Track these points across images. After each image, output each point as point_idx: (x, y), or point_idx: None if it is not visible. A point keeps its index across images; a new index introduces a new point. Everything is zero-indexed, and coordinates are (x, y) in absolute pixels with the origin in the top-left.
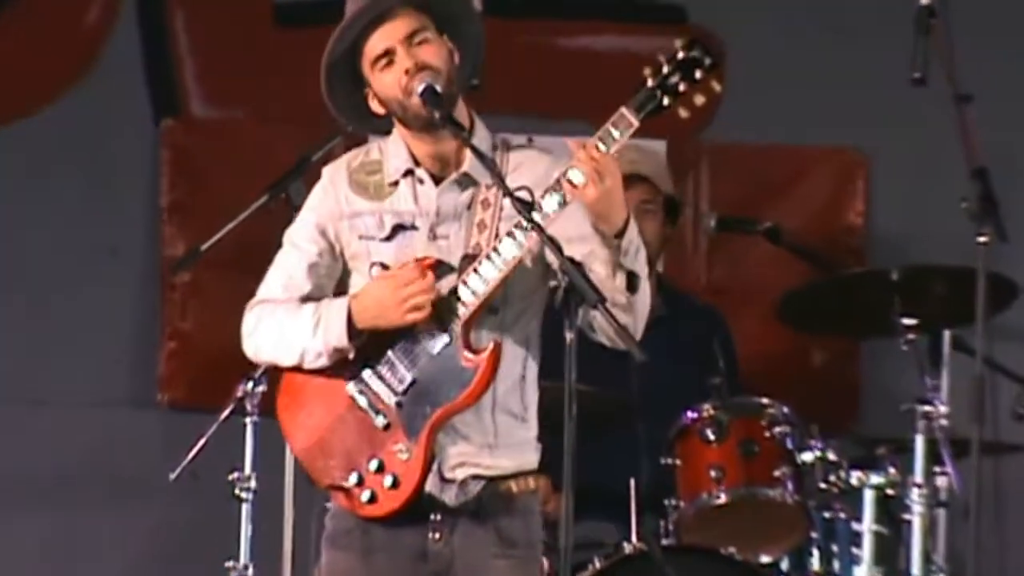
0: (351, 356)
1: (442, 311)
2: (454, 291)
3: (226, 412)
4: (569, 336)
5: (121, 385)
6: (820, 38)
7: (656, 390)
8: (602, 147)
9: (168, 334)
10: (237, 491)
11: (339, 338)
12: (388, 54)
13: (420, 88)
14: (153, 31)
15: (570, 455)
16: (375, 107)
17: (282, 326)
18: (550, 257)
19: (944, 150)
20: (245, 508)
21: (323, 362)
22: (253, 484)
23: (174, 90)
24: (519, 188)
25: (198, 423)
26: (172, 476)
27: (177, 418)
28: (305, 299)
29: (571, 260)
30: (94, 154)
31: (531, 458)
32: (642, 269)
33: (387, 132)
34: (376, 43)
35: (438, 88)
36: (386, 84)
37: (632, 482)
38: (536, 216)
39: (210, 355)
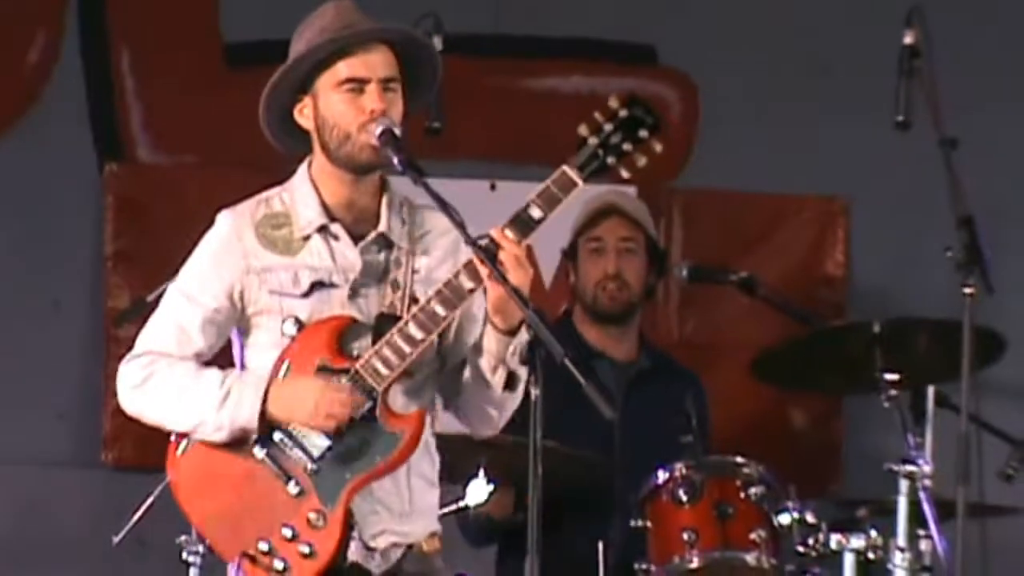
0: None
1: (365, 375)
2: (378, 353)
3: None
4: (535, 392)
5: (64, 443)
6: (798, 80)
7: (637, 448)
8: (511, 235)
9: (113, 390)
10: (185, 555)
11: (249, 420)
12: (360, 82)
13: (379, 130)
14: (97, 71)
15: (535, 516)
16: (303, 121)
17: (181, 390)
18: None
19: (928, 197)
20: (193, 573)
21: (220, 437)
22: (201, 548)
23: (119, 133)
24: (481, 236)
25: (144, 483)
26: (116, 539)
27: (122, 478)
28: (196, 356)
29: (537, 312)
30: (33, 200)
31: (435, 521)
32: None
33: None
34: (353, 66)
35: (396, 132)
36: (342, 111)
37: (600, 545)
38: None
39: None
